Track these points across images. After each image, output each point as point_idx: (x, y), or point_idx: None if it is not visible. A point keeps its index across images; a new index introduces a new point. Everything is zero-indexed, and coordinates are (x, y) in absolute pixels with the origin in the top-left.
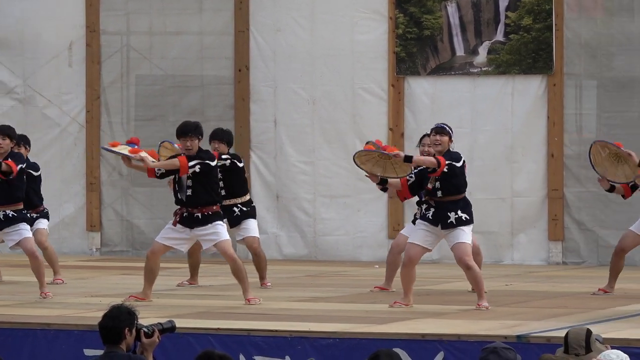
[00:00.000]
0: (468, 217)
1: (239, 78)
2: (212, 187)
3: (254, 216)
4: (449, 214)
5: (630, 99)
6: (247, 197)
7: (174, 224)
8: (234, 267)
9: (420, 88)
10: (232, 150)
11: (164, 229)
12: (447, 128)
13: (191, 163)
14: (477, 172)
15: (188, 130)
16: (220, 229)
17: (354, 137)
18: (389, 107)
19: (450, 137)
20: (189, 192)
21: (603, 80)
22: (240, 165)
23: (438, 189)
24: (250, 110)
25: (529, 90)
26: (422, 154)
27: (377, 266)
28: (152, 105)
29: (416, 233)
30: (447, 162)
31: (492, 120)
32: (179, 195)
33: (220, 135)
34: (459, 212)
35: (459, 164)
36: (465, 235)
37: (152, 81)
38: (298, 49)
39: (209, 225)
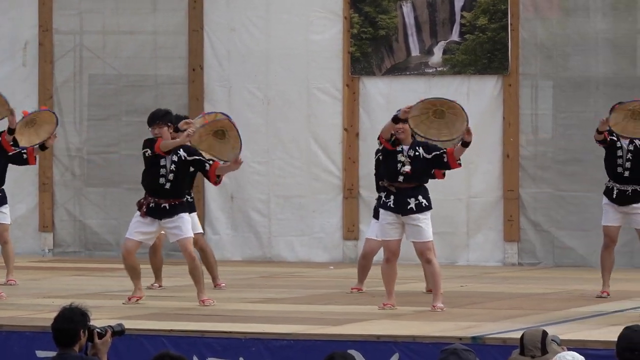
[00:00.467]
0: (427, 203)
1: (193, 78)
2: (187, 179)
3: (194, 209)
4: (408, 200)
5: (586, 99)
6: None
7: (143, 216)
8: (191, 265)
9: (375, 88)
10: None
11: (133, 223)
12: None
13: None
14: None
15: (155, 117)
16: (185, 224)
17: (309, 137)
18: (344, 107)
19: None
20: (171, 178)
21: (559, 81)
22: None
23: (402, 174)
24: (204, 110)
25: (484, 90)
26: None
27: (332, 267)
28: (105, 105)
29: (384, 229)
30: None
31: None
32: (160, 180)
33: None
34: (420, 197)
35: (429, 155)
36: (427, 228)
37: (105, 81)
38: (253, 49)
39: (175, 217)
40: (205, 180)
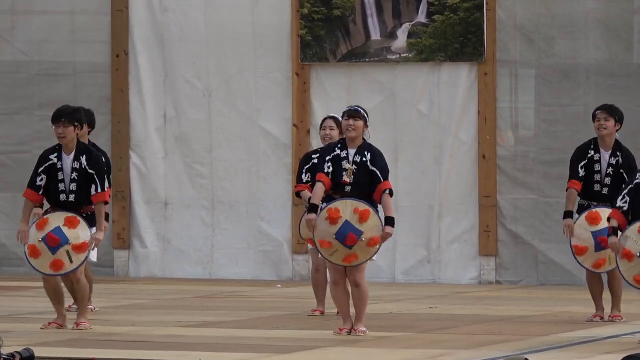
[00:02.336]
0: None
1: (117, 65)
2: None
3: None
4: None
5: (573, 90)
6: None
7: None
8: (75, 288)
9: (329, 77)
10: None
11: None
12: (361, 111)
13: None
14: (402, 175)
15: (61, 114)
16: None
17: (257, 134)
18: (293, 99)
19: (365, 122)
20: (72, 198)
21: (542, 69)
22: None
23: (349, 184)
24: (129, 104)
25: (456, 80)
26: (323, 138)
27: (279, 285)
28: (14, 97)
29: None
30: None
31: (417, 116)
32: (61, 196)
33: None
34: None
35: (372, 167)
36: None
37: (14, 68)
38: (189, 32)
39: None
40: (132, 184)
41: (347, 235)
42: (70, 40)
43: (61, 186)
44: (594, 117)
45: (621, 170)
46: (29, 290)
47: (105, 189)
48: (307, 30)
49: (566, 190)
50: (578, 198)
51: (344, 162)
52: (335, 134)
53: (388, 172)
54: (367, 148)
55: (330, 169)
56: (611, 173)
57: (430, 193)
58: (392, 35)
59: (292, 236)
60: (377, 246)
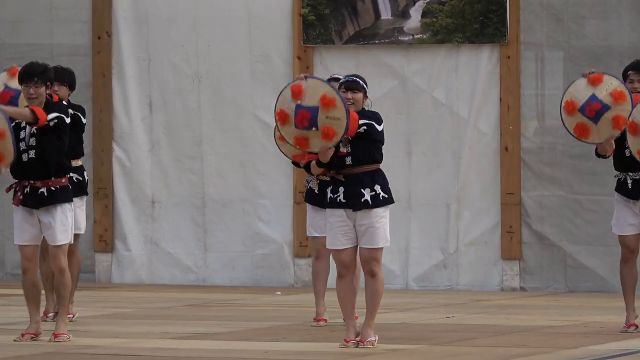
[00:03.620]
0: (386, 196)
1: (99, 48)
2: (62, 151)
3: (85, 191)
4: (362, 190)
5: None
6: (80, 162)
7: (17, 204)
8: (58, 279)
9: (335, 61)
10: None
11: (16, 227)
12: (360, 82)
13: (51, 115)
14: (415, 168)
15: (33, 73)
16: (62, 221)
17: (253, 125)
18: None
19: (365, 93)
20: (32, 154)
21: (572, 52)
22: (84, 121)
23: (347, 154)
24: (112, 90)
25: (475, 64)
26: None
27: (279, 293)
28: None
29: (332, 235)
30: (364, 121)
31: (432, 103)
32: (23, 157)
33: (61, 75)
34: (377, 187)
35: (380, 127)
36: (383, 229)
37: None
38: (178, 11)
39: (55, 208)
40: (116, 180)
41: (298, 113)
42: (47, 20)
43: (22, 145)
44: (625, 77)
45: None
46: (1, 299)
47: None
48: (310, 9)
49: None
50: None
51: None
52: None
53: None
54: (362, 116)
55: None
56: None
57: (447, 190)
58: (404, 15)
59: (293, 238)
60: (339, 106)
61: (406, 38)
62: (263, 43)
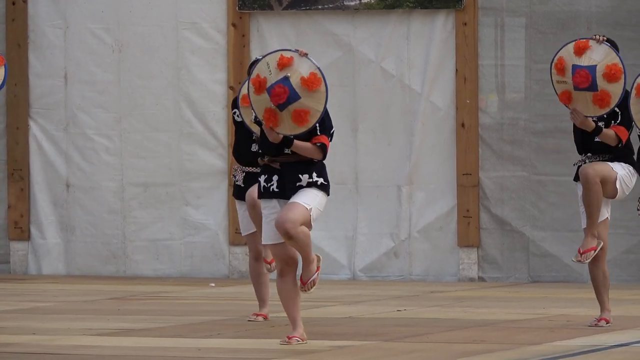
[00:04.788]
0: (325, 183)
1: (13, 15)
2: None
3: None
4: (300, 176)
5: None
6: None
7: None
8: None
9: (273, 29)
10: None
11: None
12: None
13: None
14: (362, 147)
15: None
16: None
17: (179, 99)
18: (229, 57)
19: None
20: None
21: (534, 18)
22: None
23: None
24: (28, 61)
25: (429, 32)
26: None
27: (213, 284)
28: None
29: (267, 229)
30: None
31: (381, 75)
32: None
33: None
34: (314, 175)
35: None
36: (311, 196)
37: None
38: None
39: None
40: (32, 161)
41: (273, 89)
42: None
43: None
44: None
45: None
46: None
47: None
48: None
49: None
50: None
51: None
52: None
53: (327, 127)
54: None
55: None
56: (605, 116)
57: (397, 171)
58: None
59: (228, 224)
60: (321, 86)
61: (352, 3)
62: (192, 9)
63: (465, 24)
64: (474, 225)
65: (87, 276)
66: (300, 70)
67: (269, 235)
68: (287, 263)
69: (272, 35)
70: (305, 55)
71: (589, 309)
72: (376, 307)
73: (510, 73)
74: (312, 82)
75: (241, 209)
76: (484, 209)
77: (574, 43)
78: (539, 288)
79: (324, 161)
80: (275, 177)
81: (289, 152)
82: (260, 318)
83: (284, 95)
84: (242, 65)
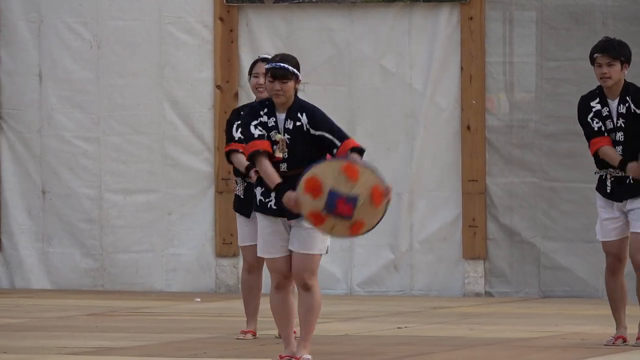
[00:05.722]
0: None
1: None
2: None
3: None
4: None
5: (586, 40)
6: None
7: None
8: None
9: (264, 24)
10: None
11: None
12: (289, 68)
13: None
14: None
15: None
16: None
17: (162, 99)
18: (216, 54)
19: (297, 79)
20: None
21: (546, 12)
22: None
23: (283, 160)
24: (1, 58)
25: (432, 27)
26: (255, 88)
27: (198, 299)
28: None
29: (266, 242)
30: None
31: (380, 74)
32: None
33: None
34: None
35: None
36: (318, 238)
37: None
38: None
39: None
40: (4, 166)
41: (336, 205)
42: None
43: None
44: (592, 60)
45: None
46: None
47: None
48: None
49: (595, 153)
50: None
51: (272, 133)
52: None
53: (340, 129)
54: (300, 108)
55: (263, 132)
56: (623, 125)
57: (398, 177)
58: None
59: (215, 234)
60: (384, 203)
61: None
62: (176, 2)
63: (472, 18)
64: (481, 235)
65: (62, 290)
66: (367, 183)
67: (266, 249)
68: (285, 276)
69: (261, 30)
70: (356, 162)
71: (605, 326)
72: (375, 324)
73: (520, 71)
74: (378, 199)
75: (242, 222)
76: (492, 218)
77: None
78: (551, 304)
79: None
80: (272, 194)
81: (285, 168)
82: (249, 335)
83: (349, 213)
84: (229, 63)
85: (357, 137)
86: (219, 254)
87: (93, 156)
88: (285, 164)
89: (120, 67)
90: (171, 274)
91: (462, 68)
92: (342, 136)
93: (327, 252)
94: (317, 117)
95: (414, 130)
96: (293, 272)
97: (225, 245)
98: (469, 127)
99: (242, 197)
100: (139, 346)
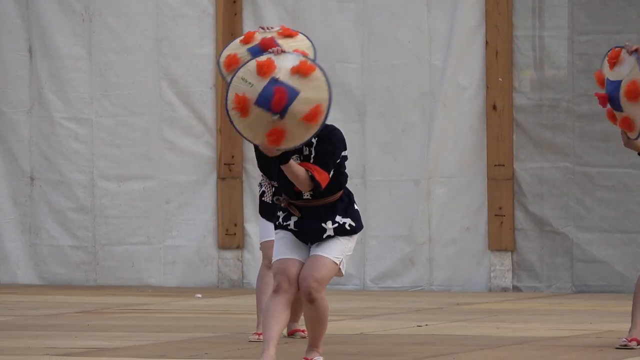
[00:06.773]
0: (354, 224)
1: None
2: None
3: None
4: (323, 225)
5: (622, 12)
6: None
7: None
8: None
9: None
10: None
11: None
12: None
13: None
14: (370, 134)
15: None
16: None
17: (159, 78)
18: (218, 27)
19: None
20: None
21: None
22: None
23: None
24: None
25: None
26: None
27: (199, 295)
28: None
29: (279, 246)
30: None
31: (395, 49)
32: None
33: None
34: (339, 217)
35: (345, 152)
36: (339, 246)
37: None
38: None
39: None
40: None
41: (273, 92)
42: None
43: None
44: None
45: None
46: None
47: None
48: None
49: None
50: None
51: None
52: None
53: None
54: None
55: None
56: None
57: (415, 162)
58: None
59: (217, 225)
60: (317, 123)
61: None
62: None
63: None
64: (508, 225)
65: (51, 285)
66: (286, 65)
67: (281, 251)
68: (289, 281)
69: (266, 3)
70: (283, 52)
71: None
72: (392, 322)
73: (550, 46)
74: (305, 68)
75: (265, 220)
76: (520, 206)
77: (608, 53)
78: (585, 299)
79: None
80: (293, 218)
81: (309, 196)
82: (262, 337)
83: (284, 95)
84: (233, 37)
85: (369, 117)
86: (222, 246)
87: (84, 139)
88: (310, 193)
89: (113, 42)
90: (169, 267)
91: (487, 42)
92: (323, 165)
93: (342, 273)
94: (325, 142)
95: (432, 110)
96: (300, 277)
97: (228, 237)
98: (494, 107)
99: (269, 202)
100: (134, 346)
